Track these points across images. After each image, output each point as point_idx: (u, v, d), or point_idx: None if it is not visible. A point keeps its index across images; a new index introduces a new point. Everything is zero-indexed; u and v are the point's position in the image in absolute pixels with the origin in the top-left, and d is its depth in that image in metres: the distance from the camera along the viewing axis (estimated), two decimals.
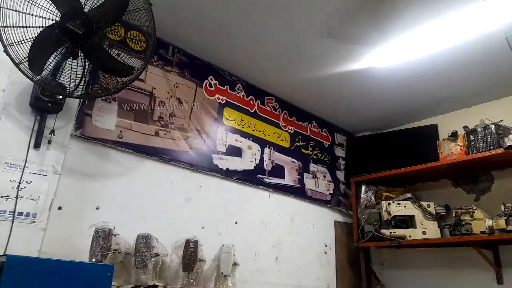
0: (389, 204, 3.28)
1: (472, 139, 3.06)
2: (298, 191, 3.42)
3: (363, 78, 3.11)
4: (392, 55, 2.80)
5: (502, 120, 2.99)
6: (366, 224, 3.41)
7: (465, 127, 3.15)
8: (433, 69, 2.97)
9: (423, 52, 2.75)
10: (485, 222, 2.90)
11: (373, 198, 3.51)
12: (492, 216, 2.89)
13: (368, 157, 3.82)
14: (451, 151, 3.18)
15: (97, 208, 2.14)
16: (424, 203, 3.27)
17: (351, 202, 3.71)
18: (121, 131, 2.38)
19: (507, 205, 2.79)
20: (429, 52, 2.75)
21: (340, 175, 3.92)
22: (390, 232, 3.21)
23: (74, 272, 1.17)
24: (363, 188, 3.57)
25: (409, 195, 3.43)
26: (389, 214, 3.26)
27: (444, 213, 3.29)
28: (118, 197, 2.25)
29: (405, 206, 3.28)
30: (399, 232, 3.20)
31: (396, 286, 3.54)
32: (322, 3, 2.29)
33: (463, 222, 3.01)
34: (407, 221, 3.25)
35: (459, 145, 3.14)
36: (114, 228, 1.87)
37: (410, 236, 3.16)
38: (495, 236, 2.76)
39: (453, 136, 3.19)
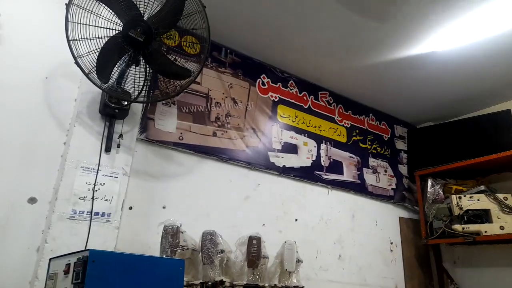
0: (460, 197, 3.05)
1: None
2: (358, 187, 3.31)
3: (424, 64, 2.93)
4: (456, 36, 2.60)
5: None
6: (434, 219, 3.20)
7: None
8: (503, 49, 2.71)
9: (491, 31, 2.53)
10: None
11: (441, 192, 3.29)
12: None
13: (432, 149, 3.59)
14: None
15: (164, 207, 2.23)
16: (501, 196, 3.00)
17: (416, 197, 3.51)
18: (181, 133, 2.46)
19: None
20: (499, 31, 2.52)
21: (403, 169, 3.73)
22: (463, 228, 2.98)
23: (149, 265, 1.23)
24: (430, 182, 3.36)
25: (482, 187, 3.16)
26: (460, 208, 3.03)
27: None
28: (182, 196, 2.33)
29: (478, 200, 3.03)
30: (473, 227, 2.96)
31: (472, 286, 3.28)
32: None
33: None
34: (482, 216, 3.00)
35: None
36: (180, 225, 1.93)
37: (486, 232, 2.91)
38: None
39: None
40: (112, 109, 1.97)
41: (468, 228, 2.96)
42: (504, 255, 3.13)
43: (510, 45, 2.66)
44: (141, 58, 1.86)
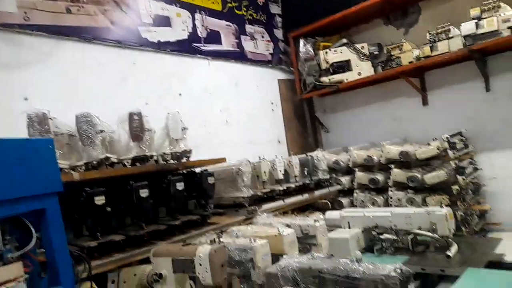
0: (326, 52, 3.37)
1: None
2: (238, 55, 3.39)
3: None
4: None
5: None
6: (307, 76, 3.55)
7: None
8: None
9: None
10: (412, 53, 3.11)
11: (312, 50, 3.57)
12: (420, 46, 3.07)
13: (303, 9, 3.74)
14: None
15: (26, 99, 2.02)
16: (359, 46, 3.39)
17: (291, 58, 3.76)
18: (25, 12, 2.10)
19: (431, 32, 2.96)
20: None
21: (278, 33, 3.87)
22: (329, 79, 3.39)
23: (13, 149, 1.15)
24: (301, 42, 3.59)
25: (344, 40, 3.51)
26: (327, 62, 3.38)
27: (377, 52, 3.46)
28: (45, 84, 2.12)
29: (341, 52, 3.39)
30: (337, 77, 3.38)
31: (339, 127, 3.92)
32: None
33: (393, 57, 3.21)
34: (344, 66, 3.40)
35: None
36: (48, 112, 1.80)
37: (347, 79, 3.36)
38: (420, 63, 3.00)
39: None
40: None
41: (333, 78, 3.38)
42: (361, 97, 3.71)
43: None
44: None
